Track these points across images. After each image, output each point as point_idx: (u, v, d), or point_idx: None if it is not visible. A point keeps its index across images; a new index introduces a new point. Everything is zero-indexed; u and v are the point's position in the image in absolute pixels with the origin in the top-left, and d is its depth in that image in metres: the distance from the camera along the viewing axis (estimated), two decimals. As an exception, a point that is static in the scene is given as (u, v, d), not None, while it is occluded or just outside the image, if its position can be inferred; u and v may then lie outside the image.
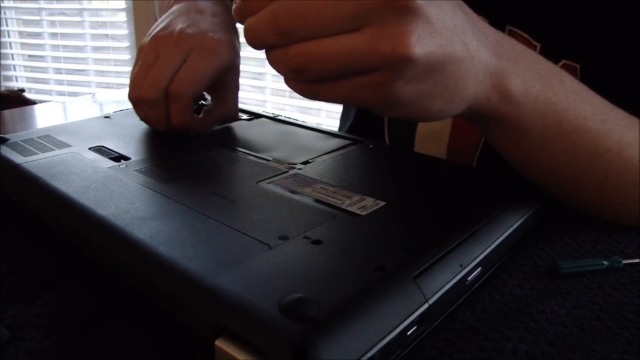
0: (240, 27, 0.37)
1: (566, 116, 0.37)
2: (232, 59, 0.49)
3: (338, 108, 1.85)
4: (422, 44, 0.29)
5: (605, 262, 0.35)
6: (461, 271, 0.29)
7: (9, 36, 2.53)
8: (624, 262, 0.35)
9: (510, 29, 0.56)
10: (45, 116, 0.79)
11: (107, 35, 2.40)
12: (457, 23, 0.31)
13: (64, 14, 2.45)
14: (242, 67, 0.53)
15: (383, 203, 0.35)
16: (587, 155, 0.38)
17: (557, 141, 0.38)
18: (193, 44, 0.47)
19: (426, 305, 0.27)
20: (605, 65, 0.51)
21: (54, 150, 0.44)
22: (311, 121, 0.60)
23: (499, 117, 0.36)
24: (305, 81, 0.31)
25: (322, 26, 0.28)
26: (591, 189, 0.40)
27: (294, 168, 0.41)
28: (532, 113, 0.36)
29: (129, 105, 0.50)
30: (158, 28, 0.49)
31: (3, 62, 2.50)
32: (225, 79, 0.51)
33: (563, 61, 0.53)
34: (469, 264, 0.30)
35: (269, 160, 0.43)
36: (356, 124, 0.72)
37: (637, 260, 0.35)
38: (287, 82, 0.32)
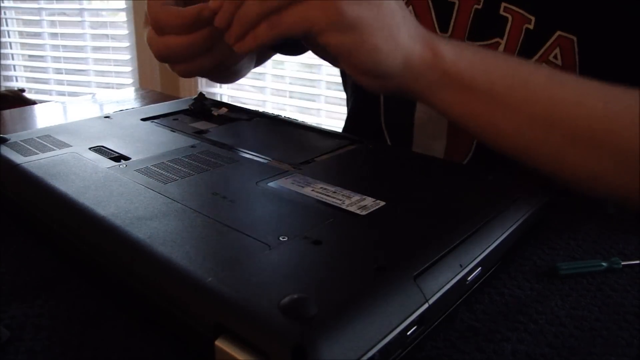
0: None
1: (511, 71, 0.38)
2: None
3: (338, 109, 1.86)
4: None
5: (604, 264, 0.35)
6: (461, 271, 0.29)
7: (9, 36, 2.52)
8: (623, 263, 0.35)
9: (505, 5, 0.56)
10: (45, 116, 0.79)
11: (107, 35, 2.39)
12: None
13: (64, 14, 2.45)
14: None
15: (383, 203, 0.35)
16: (541, 108, 0.39)
17: (506, 96, 0.38)
18: None
19: (426, 305, 0.27)
20: (603, 37, 0.52)
21: (54, 150, 0.44)
22: (311, 121, 0.60)
23: (440, 77, 0.37)
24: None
25: None
26: (554, 145, 0.40)
27: (294, 168, 0.41)
28: (472, 69, 0.38)
29: (129, 105, 0.50)
30: None
31: (3, 62, 2.50)
32: None
33: (558, 32, 0.54)
34: (469, 264, 0.30)
35: (269, 160, 0.43)
36: (353, 114, 0.73)
37: (636, 262, 0.35)
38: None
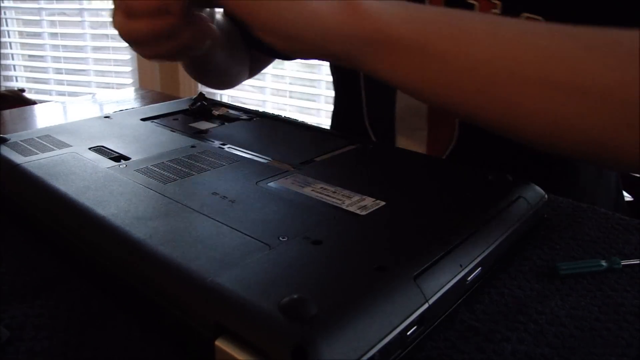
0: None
1: (446, 20, 0.35)
2: None
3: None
4: None
5: (604, 263, 0.35)
6: (461, 271, 0.29)
7: (9, 36, 2.52)
8: (623, 263, 0.35)
9: None
10: (45, 116, 0.79)
11: (107, 35, 2.39)
12: None
13: (64, 14, 2.44)
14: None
15: (383, 203, 0.35)
16: (483, 56, 0.34)
17: (443, 45, 0.35)
18: None
19: (426, 305, 0.27)
20: (567, 17, 0.49)
21: (54, 150, 0.44)
22: (311, 121, 0.60)
23: (369, 39, 0.35)
24: None
25: None
26: (502, 94, 0.34)
27: (294, 168, 0.41)
28: (399, 25, 0.34)
29: (129, 105, 0.50)
30: None
31: (3, 62, 2.50)
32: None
33: (524, 14, 0.53)
34: (469, 264, 0.30)
35: (269, 160, 0.43)
36: (338, 112, 0.74)
37: (635, 261, 0.35)
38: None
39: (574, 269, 0.34)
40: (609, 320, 0.30)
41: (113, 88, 2.40)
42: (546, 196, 0.39)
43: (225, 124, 0.54)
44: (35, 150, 0.43)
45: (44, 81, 2.51)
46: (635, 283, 0.34)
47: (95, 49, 2.41)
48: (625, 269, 0.35)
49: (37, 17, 2.44)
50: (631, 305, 0.31)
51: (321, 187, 0.37)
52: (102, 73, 2.43)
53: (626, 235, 0.39)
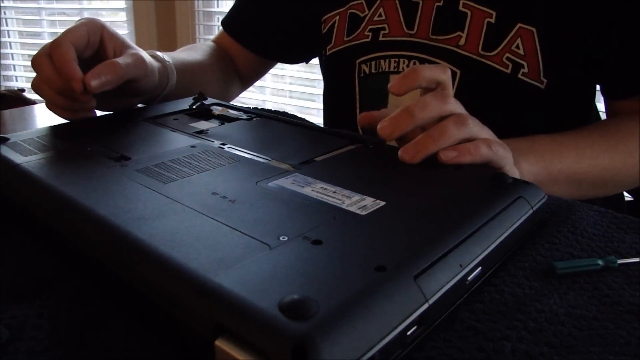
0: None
1: (566, 173, 0.56)
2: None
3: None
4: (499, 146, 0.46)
5: (600, 262, 0.35)
6: (461, 271, 0.30)
7: (9, 36, 2.52)
8: (619, 261, 0.35)
9: (464, 2, 0.63)
10: (45, 116, 0.79)
11: (107, 35, 2.39)
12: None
13: (64, 14, 2.45)
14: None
15: (383, 203, 0.35)
16: (589, 184, 0.58)
17: (566, 185, 0.56)
18: None
19: (426, 305, 0.27)
20: (560, 27, 0.61)
21: (54, 150, 0.44)
22: (311, 121, 0.60)
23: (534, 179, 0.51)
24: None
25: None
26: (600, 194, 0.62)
27: (294, 168, 0.41)
28: (558, 173, 0.55)
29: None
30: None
31: (3, 62, 2.50)
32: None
33: (519, 25, 0.61)
34: (469, 264, 0.30)
35: (269, 160, 0.43)
36: (330, 117, 0.81)
37: (631, 260, 0.35)
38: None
39: (571, 268, 0.34)
40: (606, 319, 0.30)
41: (113, 88, 2.39)
42: (546, 196, 0.39)
43: (225, 123, 0.54)
44: (35, 150, 0.43)
45: (44, 81, 2.50)
46: (632, 282, 0.34)
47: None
48: (622, 268, 0.35)
49: (37, 17, 2.44)
50: (628, 304, 0.31)
51: (321, 187, 0.37)
52: (102, 73, 2.43)
53: (621, 234, 0.39)
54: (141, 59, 0.56)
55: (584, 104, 0.71)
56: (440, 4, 0.65)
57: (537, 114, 0.64)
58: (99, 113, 0.57)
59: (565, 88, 0.64)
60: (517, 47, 0.61)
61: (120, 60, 0.53)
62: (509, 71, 0.62)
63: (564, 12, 0.60)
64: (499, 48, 0.61)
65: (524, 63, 0.61)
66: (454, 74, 0.65)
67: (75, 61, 0.51)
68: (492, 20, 0.62)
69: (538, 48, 0.60)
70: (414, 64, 0.67)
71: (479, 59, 0.63)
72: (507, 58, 0.61)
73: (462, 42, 0.63)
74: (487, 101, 0.62)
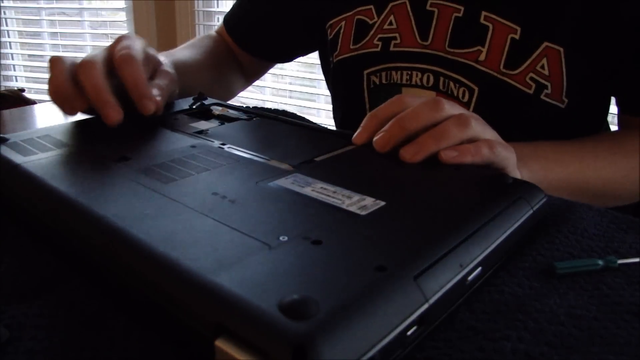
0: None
1: (567, 181, 0.55)
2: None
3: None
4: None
5: (600, 262, 0.35)
6: (461, 271, 0.30)
7: (9, 36, 2.52)
8: (619, 261, 0.35)
9: (485, 14, 0.58)
10: (45, 116, 0.79)
11: (107, 35, 2.40)
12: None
13: (64, 13, 2.45)
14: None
15: (383, 203, 0.35)
16: (594, 189, 0.57)
17: (572, 189, 0.55)
18: None
19: (426, 305, 0.27)
20: (589, 48, 0.58)
21: (54, 150, 0.44)
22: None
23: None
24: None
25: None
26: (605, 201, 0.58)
27: (294, 168, 0.41)
28: (557, 181, 0.54)
29: (129, 105, 0.50)
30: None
31: (3, 62, 2.50)
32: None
33: (545, 43, 0.57)
34: (469, 264, 0.30)
35: (269, 160, 0.43)
36: (344, 122, 0.78)
37: (631, 260, 0.35)
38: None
39: (571, 268, 0.34)
40: (606, 319, 0.30)
41: (113, 88, 2.39)
42: (546, 196, 0.39)
43: (225, 123, 0.54)
44: (35, 150, 0.43)
45: (44, 81, 2.50)
46: (632, 282, 0.34)
47: (95, 49, 2.41)
48: (622, 268, 0.35)
49: (37, 17, 2.45)
50: (628, 304, 0.31)
51: (321, 187, 0.37)
52: (102, 73, 2.43)
53: (621, 234, 0.39)
54: (174, 80, 0.56)
55: (599, 120, 0.69)
56: (460, 14, 0.60)
57: (554, 132, 0.61)
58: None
59: (585, 106, 0.62)
60: (542, 67, 0.58)
61: (161, 83, 0.53)
62: (531, 92, 0.59)
63: (594, 30, 0.57)
64: (523, 67, 0.58)
65: (548, 84, 0.58)
66: (471, 91, 0.61)
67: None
68: (517, 37, 0.58)
69: (564, 69, 0.57)
70: (429, 77, 0.63)
71: (499, 77, 0.59)
72: (531, 78, 0.58)
73: (482, 57, 0.60)
74: (504, 120, 0.58)
